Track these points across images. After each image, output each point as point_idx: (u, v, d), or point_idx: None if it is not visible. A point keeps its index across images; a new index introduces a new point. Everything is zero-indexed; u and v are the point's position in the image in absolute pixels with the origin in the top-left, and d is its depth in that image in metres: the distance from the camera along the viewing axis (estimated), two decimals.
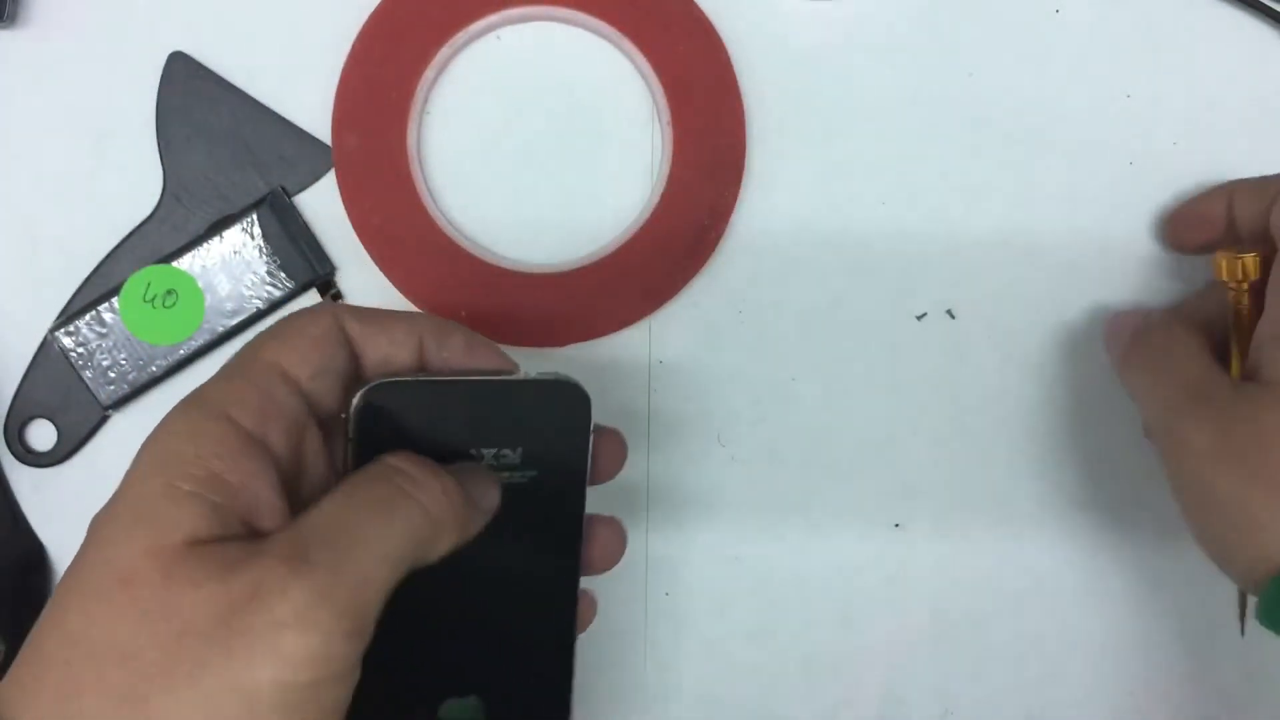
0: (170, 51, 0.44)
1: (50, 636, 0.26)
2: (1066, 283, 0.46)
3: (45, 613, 0.27)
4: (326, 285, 0.44)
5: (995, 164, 0.46)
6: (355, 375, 0.32)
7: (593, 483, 0.34)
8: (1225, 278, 0.42)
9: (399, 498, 0.28)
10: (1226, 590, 0.46)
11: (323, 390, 0.31)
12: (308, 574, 0.25)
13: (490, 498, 0.31)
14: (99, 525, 0.27)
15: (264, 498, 0.28)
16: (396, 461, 0.29)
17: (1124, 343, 0.42)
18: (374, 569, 0.26)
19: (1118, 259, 0.46)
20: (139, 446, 0.28)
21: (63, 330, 0.43)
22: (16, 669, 0.26)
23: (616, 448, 0.36)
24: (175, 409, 0.29)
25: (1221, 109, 0.47)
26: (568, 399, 0.33)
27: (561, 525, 0.33)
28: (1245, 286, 0.42)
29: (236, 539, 0.27)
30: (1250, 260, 0.42)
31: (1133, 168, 0.47)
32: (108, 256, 0.44)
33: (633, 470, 0.40)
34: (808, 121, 0.46)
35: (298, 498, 0.29)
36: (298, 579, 0.25)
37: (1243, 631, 0.45)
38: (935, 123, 0.46)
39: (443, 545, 0.29)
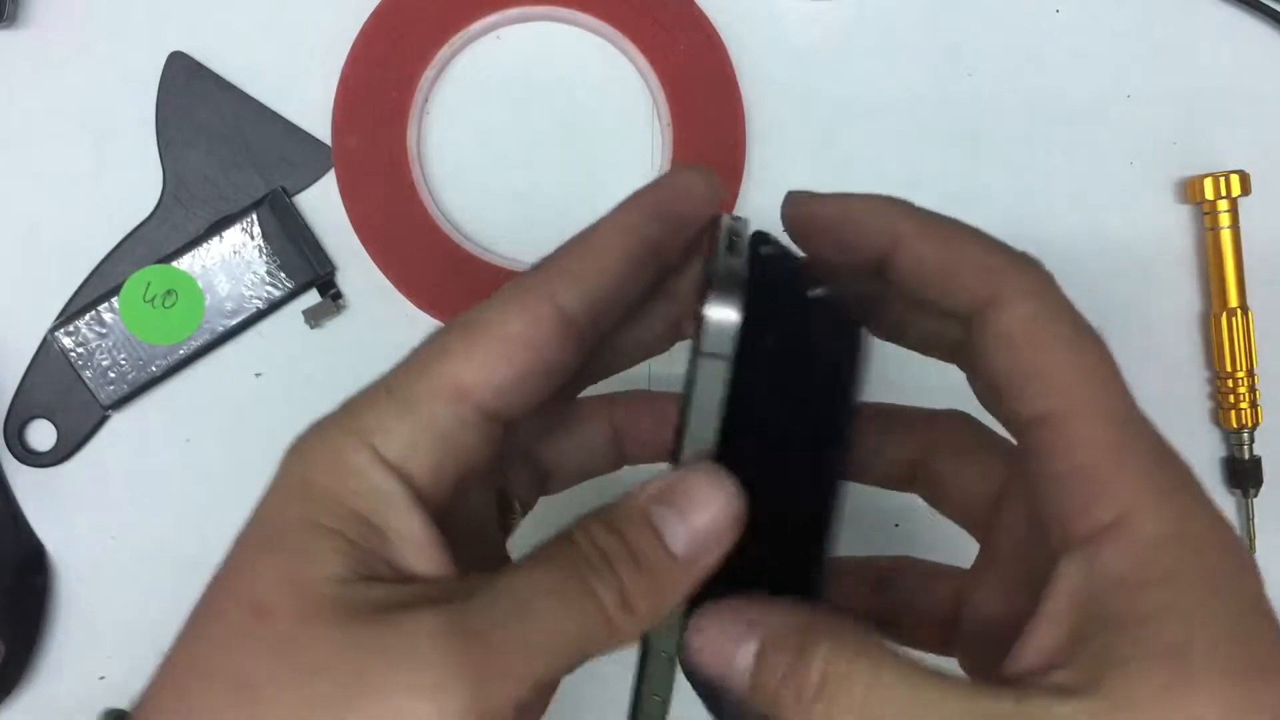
0: (170, 51, 0.44)
1: (180, 654, 0.24)
2: (1066, 283, 0.46)
3: (179, 634, 0.25)
4: (326, 285, 0.44)
5: (995, 164, 0.46)
6: (581, 367, 0.26)
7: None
8: (1210, 196, 0.44)
9: (581, 595, 0.23)
10: None
11: (519, 399, 0.25)
12: (460, 644, 0.22)
13: (708, 534, 0.24)
14: (237, 548, 0.25)
15: (412, 539, 0.24)
16: (582, 540, 0.24)
17: (772, 675, 0.24)
18: (530, 663, 0.22)
19: (1117, 259, 0.46)
20: (283, 455, 0.25)
21: (63, 330, 0.43)
22: (151, 682, 0.24)
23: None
24: (322, 425, 0.25)
25: (1221, 109, 0.47)
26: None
27: None
28: (1227, 207, 0.44)
29: (383, 581, 0.24)
30: (1236, 177, 0.43)
31: (1133, 168, 0.47)
32: (108, 256, 0.44)
33: (631, 473, 0.40)
34: (807, 121, 0.46)
35: (462, 528, 0.26)
36: (448, 646, 0.22)
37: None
38: (935, 123, 0.46)
39: (621, 644, 0.24)
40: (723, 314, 0.23)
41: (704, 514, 0.24)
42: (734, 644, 0.24)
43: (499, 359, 0.25)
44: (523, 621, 0.22)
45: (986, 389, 0.26)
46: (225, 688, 0.23)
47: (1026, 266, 0.26)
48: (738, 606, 0.25)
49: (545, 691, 0.24)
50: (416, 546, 0.24)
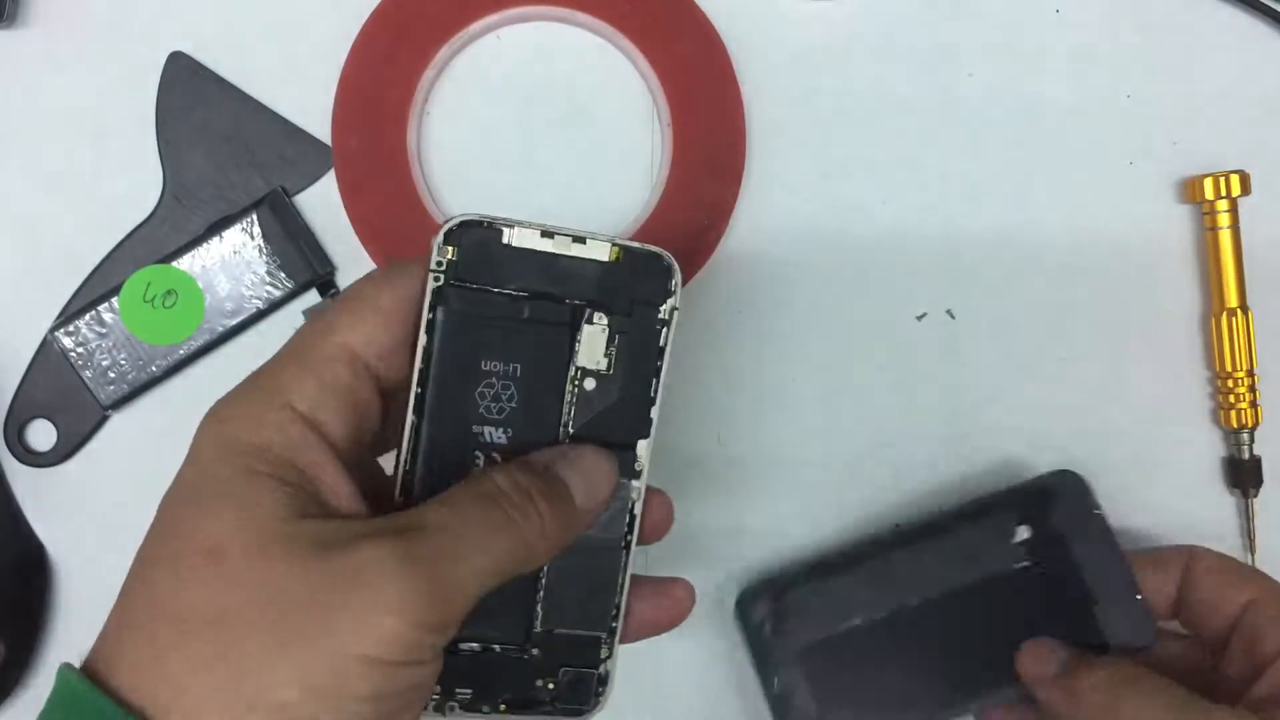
0: (170, 51, 0.44)
1: (136, 603, 0.27)
2: (1066, 283, 0.46)
3: (127, 583, 0.28)
4: (326, 285, 0.44)
5: (995, 164, 0.46)
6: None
7: (642, 543, 0.34)
8: (1210, 196, 0.44)
9: (506, 524, 0.28)
10: None
11: (399, 365, 0.30)
12: (414, 568, 0.26)
13: (598, 492, 0.31)
14: (173, 504, 0.28)
15: (330, 481, 0.28)
16: (504, 483, 0.29)
17: (1061, 688, 0.38)
18: (470, 580, 0.27)
19: (1117, 259, 0.46)
20: (197, 428, 0.29)
21: (63, 330, 0.43)
22: (105, 635, 0.27)
23: (663, 508, 0.35)
24: (234, 394, 0.29)
25: (1221, 109, 0.47)
26: None
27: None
28: (1227, 207, 0.44)
29: (319, 519, 0.27)
30: (1236, 177, 0.44)
31: (1133, 168, 0.47)
32: (108, 256, 0.44)
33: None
34: (808, 121, 0.46)
35: (361, 472, 0.30)
36: (404, 569, 0.26)
37: None
38: (935, 123, 0.46)
39: (536, 565, 0.30)
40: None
41: (598, 477, 0.31)
42: (1050, 657, 0.39)
43: (378, 328, 0.29)
44: (463, 549, 0.27)
45: (1196, 610, 0.40)
46: (196, 626, 0.26)
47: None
48: (1052, 640, 0.40)
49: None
50: (337, 489, 0.28)
